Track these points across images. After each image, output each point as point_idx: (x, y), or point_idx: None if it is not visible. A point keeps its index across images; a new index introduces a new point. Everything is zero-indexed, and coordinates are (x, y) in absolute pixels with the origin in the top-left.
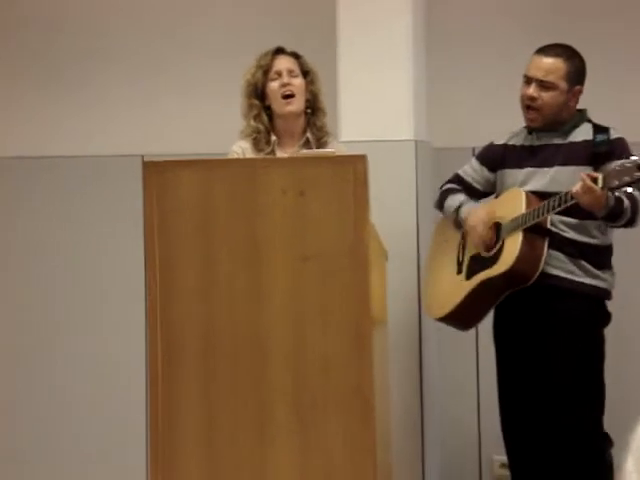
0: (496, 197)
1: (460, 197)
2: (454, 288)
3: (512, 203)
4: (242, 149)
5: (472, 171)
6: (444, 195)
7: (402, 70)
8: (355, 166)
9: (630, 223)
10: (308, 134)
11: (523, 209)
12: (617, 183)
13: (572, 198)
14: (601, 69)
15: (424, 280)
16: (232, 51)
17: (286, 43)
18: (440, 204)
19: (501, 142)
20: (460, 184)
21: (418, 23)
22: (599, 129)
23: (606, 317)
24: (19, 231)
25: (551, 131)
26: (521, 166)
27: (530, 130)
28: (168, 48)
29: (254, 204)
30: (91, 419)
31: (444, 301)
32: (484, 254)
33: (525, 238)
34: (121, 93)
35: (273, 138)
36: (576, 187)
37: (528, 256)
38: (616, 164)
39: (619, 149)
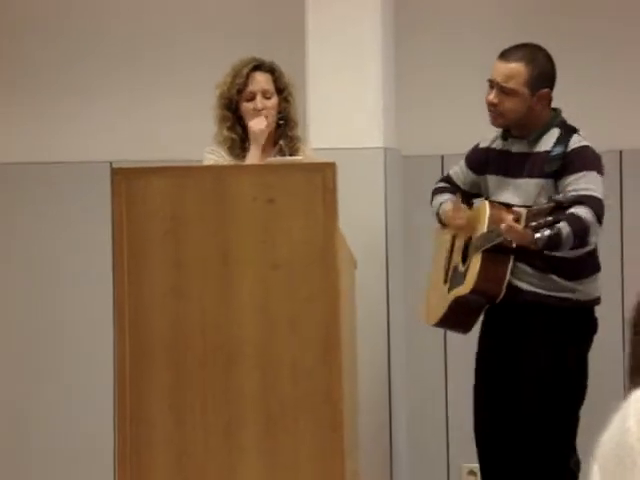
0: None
1: (445, 196)
2: (440, 298)
3: (479, 218)
4: (217, 152)
5: (460, 172)
6: (433, 194)
7: (371, 77)
8: (324, 173)
9: (577, 247)
10: (281, 142)
11: (485, 228)
12: (534, 224)
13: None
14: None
15: (427, 283)
16: (202, 57)
17: (253, 50)
18: (431, 203)
19: (485, 145)
20: (450, 184)
21: (386, 29)
22: (562, 137)
23: (589, 326)
24: None
25: (521, 138)
26: (497, 173)
27: (505, 136)
28: (138, 54)
29: (224, 211)
30: (59, 423)
31: (433, 310)
32: (460, 268)
33: (485, 259)
34: (90, 100)
35: (248, 145)
36: (503, 227)
37: (488, 277)
38: (538, 203)
39: (574, 161)
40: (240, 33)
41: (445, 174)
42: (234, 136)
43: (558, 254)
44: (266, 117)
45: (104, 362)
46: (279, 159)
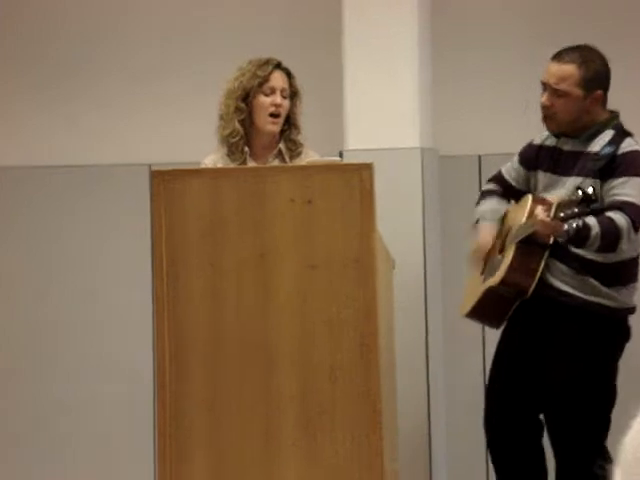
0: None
1: (487, 204)
2: (475, 288)
3: (521, 210)
4: (213, 162)
5: (512, 169)
6: (480, 198)
7: (408, 77)
8: (361, 174)
9: (606, 250)
10: (281, 145)
11: (523, 220)
12: (562, 215)
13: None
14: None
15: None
16: (237, 56)
17: (292, 52)
18: (476, 205)
19: (538, 142)
20: (500, 183)
21: (424, 30)
22: (615, 139)
23: (621, 335)
24: (24, 240)
25: (575, 137)
26: (547, 170)
27: (557, 134)
28: (174, 55)
29: (262, 212)
30: (96, 422)
31: (467, 300)
32: (497, 259)
33: (518, 252)
34: (127, 100)
35: (246, 149)
36: (534, 219)
37: (520, 270)
38: (569, 195)
39: (622, 165)
40: (276, 36)
41: (497, 171)
42: (242, 131)
43: (588, 255)
44: (280, 115)
45: (143, 364)
46: (317, 160)
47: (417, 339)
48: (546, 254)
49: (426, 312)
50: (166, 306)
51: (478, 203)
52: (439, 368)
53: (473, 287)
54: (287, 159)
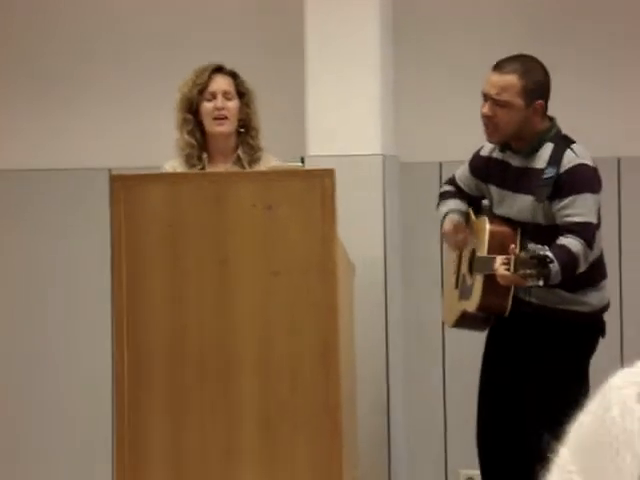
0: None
1: (449, 204)
2: (452, 304)
3: (481, 237)
4: (173, 167)
5: (464, 177)
6: (439, 199)
7: (369, 84)
8: (323, 180)
9: (565, 278)
10: (239, 151)
11: (485, 250)
12: (522, 273)
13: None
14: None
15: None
16: (197, 60)
17: (253, 58)
18: (437, 208)
19: (485, 153)
20: (455, 186)
21: (385, 37)
22: (555, 154)
23: (587, 338)
24: None
25: (517, 151)
26: (498, 185)
27: (502, 148)
28: (135, 63)
29: (223, 217)
30: (56, 432)
31: (448, 314)
32: (468, 280)
33: (487, 279)
34: (89, 106)
35: (204, 155)
36: (495, 270)
37: (493, 296)
38: (529, 250)
39: (566, 184)
40: (239, 40)
41: (450, 175)
42: (193, 141)
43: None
44: (226, 117)
45: (102, 369)
46: (278, 165)
47: (377, 344)
48: None
49: (386, 317)
50: (125, 311)
51: (438, 204)
52: (399, 373)
53: (450, 300)
54: (245, 165)
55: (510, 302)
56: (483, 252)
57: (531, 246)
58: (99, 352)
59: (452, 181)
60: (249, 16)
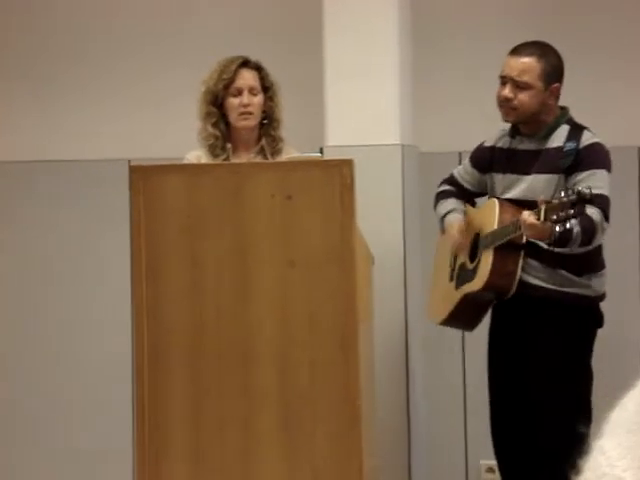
0: (489, 198)
1: (449, 204)
2: (447, 296)
3: (488, 215)
4: (197, 157)
5: (465, 172)
6: (437, 199)
7: (389, 74)
8: (342, 170)
9: (583, 245)
10: (263, 142)
11: (495, 225)
12: (555, 218)
13: (520, 229)
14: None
15: (429, 282)
16: (218, 57)
17: (272, 49)
18: (435, 207)
19: (489, 144)
20: (454, 185)
21: (404, 27)
22: (573, 133)
23: (595, 322)
24: (3, 235)
25: (530, 135)
26: (505, 171)
27: (513, 134)
28: (155, 53)
29: (241, 208)
30: (77, 420)
31: (439, 308)
32: (468, 266)
33: (496, 255)
34: (108, 97)
35: (228, 145)
36: (523, 223)
37: (501, 273)
38: (558, 197)
39: (586, 158)
40: (257, 32)
41: (449, 174)
42: (217, 133)
43: (563, 251)
44: (252, 113)
45: (122, 359)
46: (297, 156)
47: (397, 335)
48: (522, 255)
49: (406, 308)
50: (145, 302)
51: (437, 204)
52: (418, 363)
53: (443, 294)
54: (268, 156)
55: (517, 281)
56: (493, 227)
57: (558, 195)
58: (119, 342)
59: (450, 181)
60: (268, 7)
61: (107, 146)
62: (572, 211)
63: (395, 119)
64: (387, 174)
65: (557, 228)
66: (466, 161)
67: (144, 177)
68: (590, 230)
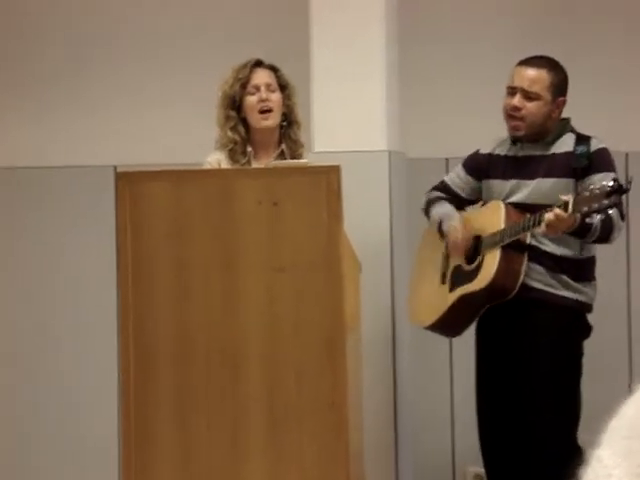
0: (482, 205)
1: (445, 208)
2: (438, 299)
3: (492, 217)
4: (217, 160)
5: (458, 179)
6: (430, 204)
7: (376, 80)
8: (329, 176)
9: (601, 240)
10: (283, 146)
11: (502, 224)
12: (586, 210)
13: (539, 223)
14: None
15: (409, 287)
16: (205, 63)
17: (258, 54)
18: (426, 212)
19: (487, 151)
20: (446, 192)
21: (391, 32)
22: (581, 139)
23: (585, 330)
24: None
25: (534, 142)
26: (506, 177)
27: (514, 141)
28: (141, 60)
29: (228, 214)
30: (62, 425)
31: (428, 311)
32: (465, 267)
33: (503, 254)
34: (94, 104)
35: (249, 149)
36: (549, 216)
37: (507, 272)
38: (587, 189)
39: (598, 161)
40: (244, 38)
41: (439, 182)
42: (237, 137)
43: (559, 252)
44: (271, 110)
45: (108, 365)
46: (283, 162)
47: (384, 341)
48: (526, 256)
49: (393, 314)
50: (131, 308)
51: (431, 208)
52: (406, 370)
53: (431, 297)
54: (289, 159)
55: (520, 281)
56: (500, 226)
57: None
58: (105, 349)
59: (442, 188)
60: (254, 14)
61: (93, 152)
62: (606, 202)
63: (382, 125)
64: (374, 180)
65: (587, 220)
66: (459, 168)
67: (130, 183)
68: (608, 225)
